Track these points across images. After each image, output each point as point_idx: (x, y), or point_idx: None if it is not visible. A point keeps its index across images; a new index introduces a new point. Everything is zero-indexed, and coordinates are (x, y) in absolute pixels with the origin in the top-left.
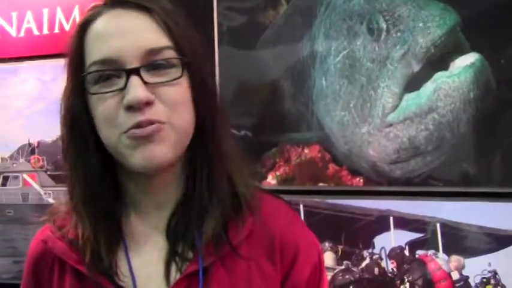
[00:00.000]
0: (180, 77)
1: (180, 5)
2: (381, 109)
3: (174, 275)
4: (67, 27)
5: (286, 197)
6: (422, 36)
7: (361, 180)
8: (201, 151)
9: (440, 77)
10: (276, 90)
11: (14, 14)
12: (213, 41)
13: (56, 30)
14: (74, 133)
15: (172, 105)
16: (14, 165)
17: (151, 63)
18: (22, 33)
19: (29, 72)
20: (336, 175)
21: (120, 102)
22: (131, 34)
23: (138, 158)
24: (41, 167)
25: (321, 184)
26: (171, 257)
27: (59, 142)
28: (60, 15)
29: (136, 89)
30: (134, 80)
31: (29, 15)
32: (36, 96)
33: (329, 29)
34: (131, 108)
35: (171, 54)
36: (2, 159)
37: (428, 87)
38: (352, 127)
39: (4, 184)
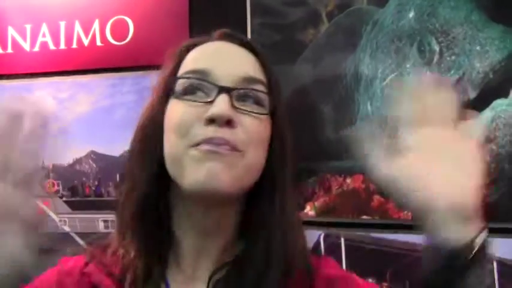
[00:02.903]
0: (267, 113)
1: (211, 19)
2: None
3: None
4: (86, 42)
5: (326, 230)
6: (480, 60)
7: (410, 213)
8: (265, 201)
9: (499, 105)
10: (316, 115)
11: (28, 27)
12: None
13: (74, 45)
14: (146, 143)
15: (252, 137)
16: None
17: (244, 88)
18: (37, 48)
19: (44, 90)
20: (382, 207)
21: (201, 115)
22: (232, 58)
23: (200, 172)
24: (56, 192)
25: (364, 217)
26: None
27: (76, 166)
28: (78, 29)
29: (224, 104)
30: (224, 97)
31: (44, 28)
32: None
33: (376, 50)
34: (211, 122)
35: (262, 89)
36: None
37: (485, 116)
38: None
39: None
